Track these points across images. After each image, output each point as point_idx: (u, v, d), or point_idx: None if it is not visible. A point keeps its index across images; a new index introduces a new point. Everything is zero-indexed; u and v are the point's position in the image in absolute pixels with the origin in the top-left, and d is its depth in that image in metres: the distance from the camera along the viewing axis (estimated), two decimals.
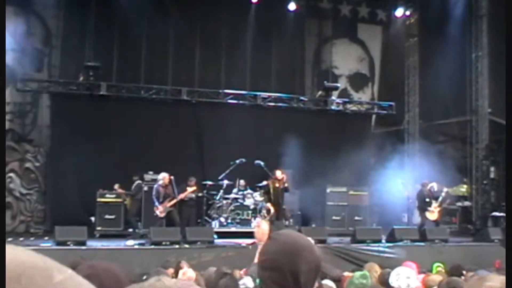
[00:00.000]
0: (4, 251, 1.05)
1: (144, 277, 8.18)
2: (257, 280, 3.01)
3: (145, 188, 21.16)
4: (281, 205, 21.25)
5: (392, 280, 7.35)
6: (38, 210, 22.29)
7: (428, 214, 21.28)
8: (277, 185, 20.64)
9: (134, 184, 20.77)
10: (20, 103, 21.87)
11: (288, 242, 2.98)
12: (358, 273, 7.82)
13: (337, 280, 8.67)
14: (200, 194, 20.83)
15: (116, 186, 20.44)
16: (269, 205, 20.57)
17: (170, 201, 19.06)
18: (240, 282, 6.97)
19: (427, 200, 21.25)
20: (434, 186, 23.12)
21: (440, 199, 21.44)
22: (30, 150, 22.42)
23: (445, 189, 22.20)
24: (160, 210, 18.93)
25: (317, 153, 22.25)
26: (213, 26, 23.87)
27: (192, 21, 23.66)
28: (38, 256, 1.15)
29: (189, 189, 20.12)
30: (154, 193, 19.28)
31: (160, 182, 19.23)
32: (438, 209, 21.32)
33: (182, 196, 19.70)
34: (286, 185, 20.72)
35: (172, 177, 20.09)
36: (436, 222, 21.41)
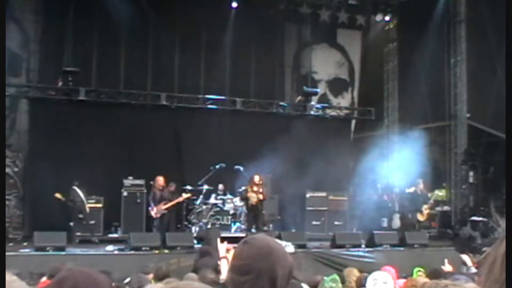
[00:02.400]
0: (4, 251, 1.04)
1: (126, 281, 8.16)
2: None
3: (125, 194, 21.12)
4: (260, 210, 21.29)
5: (369, 285, 7.32)
6: (17, 216, 22.11)
7: (418, 215, 21.60)
8: (255, 189, 20.71)
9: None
10: None
11: (264, 247, 2.98)
12: (328, 277, 7.82)
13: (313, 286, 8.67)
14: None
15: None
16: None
17: (165, 204, 19.57)
18: None
19: (420, 200, 21.66)
20: (413, 189, 23.31)
21: (431, 201, 21.90)
22: (8, 156, 22.23)
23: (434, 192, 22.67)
24: (154, 212, 19.72)
25: (296, 158, 22.28)
26: (193, 31, 23.84)
27: (171, 26, 23.58)
28: None
29: (184, 195, 20.39)
30: (151, 195, 20.14)
31: (156, 185, 20.09)
32: (428, 211, 21.62)
33: (178, 200, 20.09)
34: (261, 195, 20.85)
35: (151, 183, 20.25)
36: (421, 224, 21.75)
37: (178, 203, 20.46)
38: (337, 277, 7.97)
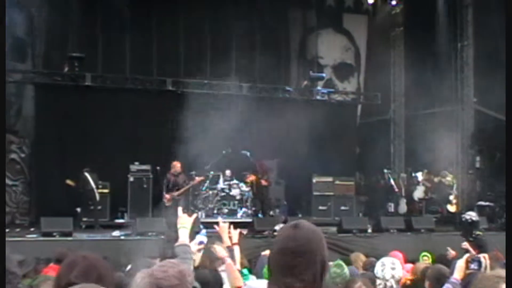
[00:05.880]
0: (4, 251, 1.04)
1: (128, 267, 8.16)
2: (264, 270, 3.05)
3: (131, 179, 21.14)
4: (266, 196, 21.33)
5: (377, 270, 7.36)
6: (24, 202, 22.17)
7: (449, 206, 21.64)
8: (259, 176, 20.83)
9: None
10: None
11: (315, 230, 3.18)
12: (333, 263, 7.82)
13: None
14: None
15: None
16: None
17: (178, 189, 19.31)
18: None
19: (449, 191, 21.75)
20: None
21: (454, 189, 21.91)
22: (15, 141, 22.27)
23: (455, 180, 22.68)
24: (167, 198, 19.20)
25: (303, 143, 22.25)
26: (198, 16, 23.72)
27: (176, 11, 23.52)
28: None
29: (198, 178, 20.27)
30: (164, 181, 19.70)
31: (172, 171, 19.69)
32: (455, 200, 21.62)
33: (190, 185, 19.91)
34: (264, 181, 20.91)
35: (158, 168, 20.18)
36: (454, 214, 21.76)
37: (191, 187, 20.41)
38: (341, 262, 7.97)
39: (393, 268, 7.28)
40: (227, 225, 6.85)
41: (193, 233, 5.98)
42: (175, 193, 19.44)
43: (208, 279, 6.30)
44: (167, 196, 19.38)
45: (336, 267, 7.64)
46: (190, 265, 4.96)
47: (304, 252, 3.00)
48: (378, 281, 7.25)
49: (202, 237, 7.02)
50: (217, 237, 7.30)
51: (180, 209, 6.07)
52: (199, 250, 7.25)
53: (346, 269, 7.71)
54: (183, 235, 5.38)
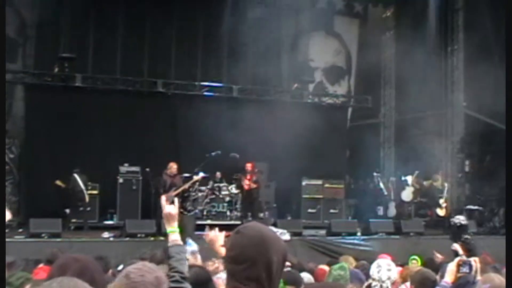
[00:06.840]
0: (4, 250, 1.03)
1: (120, 267, 8.15)
2: None
3: (121, 181, 21.10)
4: (256, 198, 21.29)
5: (373, 272, 7.39)
6: (12, 202, 22.03)
7: (438, 210, 21.70)
8: (248, 177, 20.80)
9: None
10: None
11: (255, 235, 3.06)
12: (336, 265, 7.84)
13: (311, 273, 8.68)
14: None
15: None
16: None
17: (175, 190, 19.08)
18: (217, 276, 6.95)
19: (439, 195, 21.79)
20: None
21: (445, 193, 21.95)
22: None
23: (446, 184, 22.71)
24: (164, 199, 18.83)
25: (292, 146, 22.23)
26: (190, 18, 23.73)
27: (168, 12, 23.49)
28: None
29: (195, 177, 20.10)
30: (161, 181, 19.44)
31: (168, 172, 19.38)
32: (445, 204, 21.68)
33: (186, 186, 19.68)
34: (254, 184, 20.88)
35: (147, 169, 20.10)
36: (444, 218, 21.76)
37: (190, 187, 20.26)
38: (345, 265, 7.99)
39: (389, 270, 7.33)
40: (216, 234, 6.79)
41: (184, 234, 5.95)
42: (173, 193, 19.24)
43: (200, 275, 6.33)
44: (164, 197, 18.99)
45: (340, 269, 7.65)
46: (185, 266, 4.92)
47: (242, 260, 2.98)
48: (374, 283, 7.28)
49: (192, 246, 7.06)
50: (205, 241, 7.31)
51: (163, 199, 5.97)
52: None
53: (348, 271, 7.73)
54: (174, 233, 5.32)
